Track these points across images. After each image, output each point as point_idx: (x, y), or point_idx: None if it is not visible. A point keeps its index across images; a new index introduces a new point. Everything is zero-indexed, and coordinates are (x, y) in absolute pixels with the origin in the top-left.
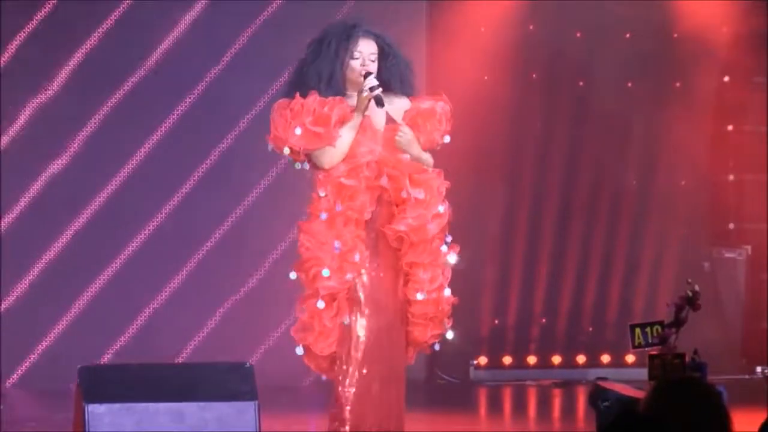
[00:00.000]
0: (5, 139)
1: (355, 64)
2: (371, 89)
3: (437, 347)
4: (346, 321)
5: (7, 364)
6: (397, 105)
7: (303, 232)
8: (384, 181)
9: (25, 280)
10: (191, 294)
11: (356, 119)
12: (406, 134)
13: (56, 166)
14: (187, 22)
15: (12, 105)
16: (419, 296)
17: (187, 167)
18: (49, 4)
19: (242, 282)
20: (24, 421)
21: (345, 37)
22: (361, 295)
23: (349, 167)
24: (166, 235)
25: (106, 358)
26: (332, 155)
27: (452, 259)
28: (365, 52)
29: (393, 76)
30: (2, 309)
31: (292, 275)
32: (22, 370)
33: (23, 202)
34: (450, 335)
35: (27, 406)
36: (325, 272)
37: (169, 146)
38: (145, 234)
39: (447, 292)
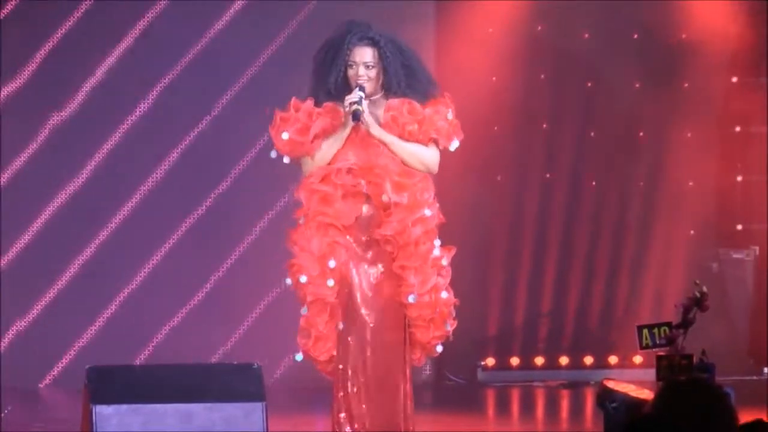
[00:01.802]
0: (32, 148)
1: (350, 73)
2: (351, 104)
3: (440, 349)
4: (341, 326)
5: (40, 365)
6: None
7: (289, 237)
8: (363, 186)
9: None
10: (190, 293)
11: (342, 133)
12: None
13: (24, 156)
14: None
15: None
16: (410, 299)
17: (155, 160)
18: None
19: (240, 281)
20: (62, 421)
21: (340, 45)
22: (359, 302)
23: (323, 173)
24: (190, 240)
25: (69, 356)
26: (309, 165)
27: (444, 262)
28: (359, 61)
29: (392, 80)
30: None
31: (287, 281)
32: (56, 372)
33: (58, 202)
34: (449, 332)
35: (62, 406)
36: (303, 278)
37: (190, 154)
38: (172, 239)
39: (445, 294)
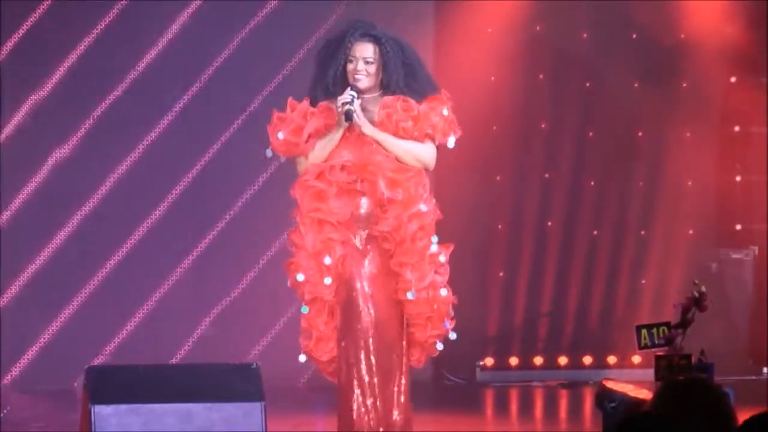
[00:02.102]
0: (3, 135)
1: (350, 67)
2: (343, 104)
3: (440, 347)
4: (339, 324)
5: (3, 363)
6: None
7: (289, 237)
8: (358, 184)
9: (21, 278)
10: (189, 293)
11: (335, 133)
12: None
13: (52, 163)
14: (187, 19)
15: (9, 102)
16: (408, 296)
17: (183, 166)
18: (45, 3)
19: (241, 281)
20: (28, 422)
21: (341, 41)
22: (359, 300)
23: (317, 170)
24: (163, 234)
25: (102, 358)
26: (303, 165)
27: (442, 258)
28: (359, 56)
29: (391, 77)
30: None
31: (288, 282)
32: (18, 370)
33: (20, 199)
34: (453, 336)
35: (28, 407)
36: (299, 277)
37: (167, 145)
38: (141, 233)
39: (443, 291)
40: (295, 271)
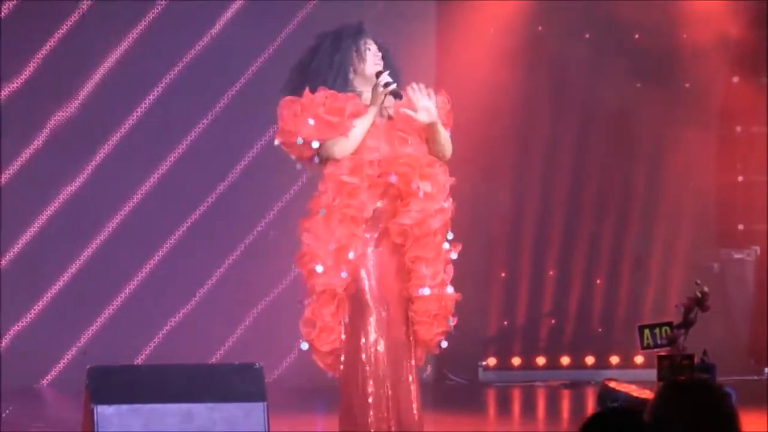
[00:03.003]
0: (27, 153)
1: (369, 56)
2: (386, 85)
3: (444, 344)
4: (347, 319)
5: (41, 364)
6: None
7: (303, 227)
8: (393, 178)
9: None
10: (191, 293)
11: (371, 112)
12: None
13: (22, 160)
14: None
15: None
16: (423, 292)
17: (209, 174)
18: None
19: (243, 280)
20: (29, 422)
21: (357, 33)
22: (369, 297)
23: (352, 165)
24: (185, 242)
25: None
26: (344, 145)
27: (453, 255)
28: (374, 48)
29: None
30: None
31: (294, 269)
32: (55, 372)
33: (54, 207)
34: (451, 324)
35: (29, 407)
36: (319, 268)
37: (191, 153)
38: (113, 227)
39: (449, 289)
40: (311, 262)
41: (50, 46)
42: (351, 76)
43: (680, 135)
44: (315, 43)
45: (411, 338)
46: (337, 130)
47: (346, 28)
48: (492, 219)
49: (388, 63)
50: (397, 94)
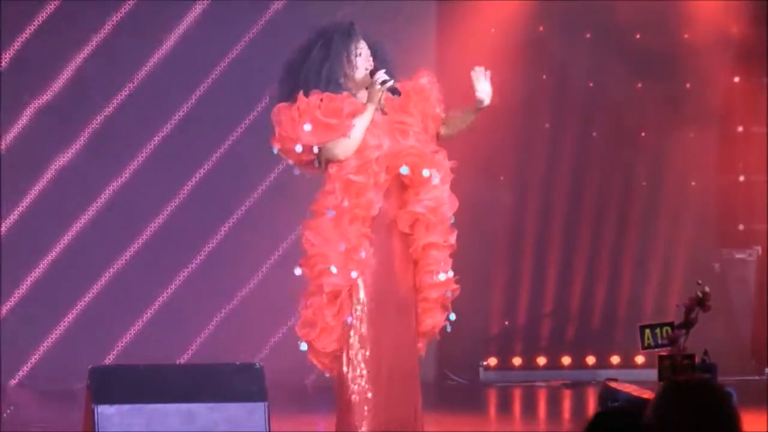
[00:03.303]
0: (7, 139)
1: (359, 61)
2: (383, 83)
3: (449, 329)
4: (350, 320)
5: (10, 363)
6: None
7: (308, 228)
8: (404, 170)
9: (27, 280)
10: (194, 294)
11: (369, 110)
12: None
13: (56, 167)
14: (192, 20)
15: (13, 104)
16: (436, 278)
17: (185, 169)
18: (52, 4)
19: (244, 281)
20: (31, 422)
21: (347, 36)
22: (362, 294)
23: (358, 163)
24: (168, 236)
25: (110, 359)
26: (346, 146)
27: (452, 239)
28: (365, 52)
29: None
30: (3, 311)
31: (297, 271)
32: (25, 370)
33: (23, 205)
34: (452, 317)
35: (32, 406)
36: (333, 269)
37: (168, 148)
38: (146, 234)
39: (451, 273)
40: (322, 263)
41: (79, 55)
42: (342, 80)
43: (681, 135)
44: (304, 45)
45: (415, 330)
46: (337, 132)
47: (336, 31)
48: (492, 219)
49: (382, 58)
50: (395, 91)
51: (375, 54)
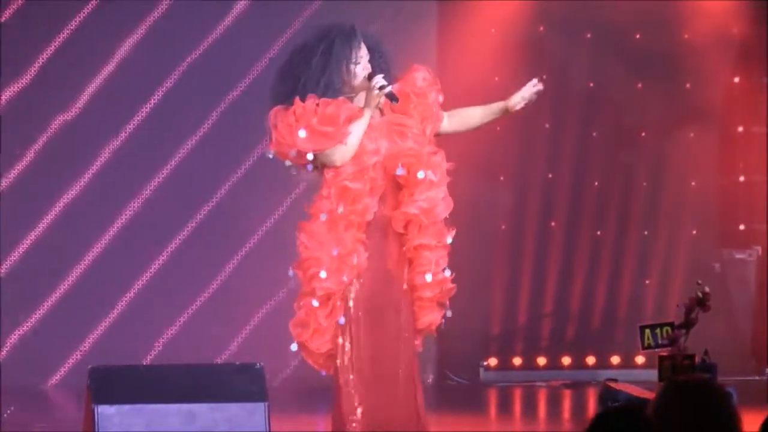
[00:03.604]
0: (36, 145)
1: (358, 69)
2: (381, 88)
3: (443, 327)
4: (342, 321)
5: (49, 365)
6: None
7: (303, 231)
8: (400, 171)
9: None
10: (195, 294)
11: (366, 115)
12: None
13: (21, 165)
14: (160, 13)
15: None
16: (428, 278)
17: (160, 160)
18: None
19: (243, 281)
20: (30, 422)
21: (348, 43)
22: (355, 295)
23: (355, 169)
24: (141, 230)
25: (80, 356)
26: (343, 152)
27: (449, 239)
28: (364, 57)
29: (381, 72)
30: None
31: (290, 273)
32: (63, 371)
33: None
34: (449, 313)
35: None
36: (323, 274)
37: (139, 141)
38: (114, 229)
39: (447, 272)
40: (314, 266)
41: (53, 47)
42: (339, 85)
43: (681, 135)
44: (304, 48)
45: (411, 330)
46: (333, 140)
47: (337, 35)
48: (493, 219)
49: (380, 62)
50: (393, 98)
51: (373, 56)
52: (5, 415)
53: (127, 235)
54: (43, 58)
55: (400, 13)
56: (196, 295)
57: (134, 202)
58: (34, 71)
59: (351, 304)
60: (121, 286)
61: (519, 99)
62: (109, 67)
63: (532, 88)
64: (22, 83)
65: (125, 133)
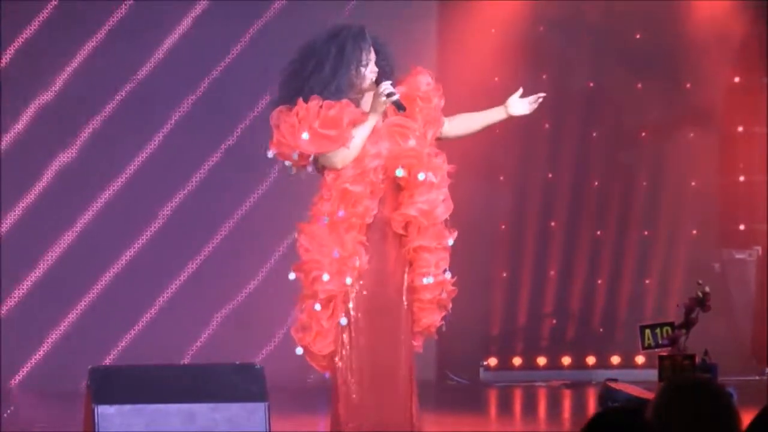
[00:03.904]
0: (6, 138)
1: (367, 71)
2: (389, 95)
3: (443, 328)
4: (344, 321)
5: (10, 364)
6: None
7: (303, 233)
8: (400, 172)
9: (27, 280)
10: (194, 295)
11: (371, 120)
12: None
13: (57, 166)
14: (191, 22)
15: (14, 103)
16: (426, 281)
17: (187, 169)
18: (52, 3)
19: (244, 282)
20: (32, 422)
21: (359, 45)
22: (355, 296)
23: (356, 172)
24: (169, 236)
25: (110, 359)
26: (345, 156)
27: (450, 242)
28: (372, 59)
29: (385, 73)
30: (3, 311)
31: (291, 276)
32: (25, 371)
33: (24, 203)
34: (448, 316)
35: (32, 407)
36: (325, 276)
37: (171, 148)
38: (147, 235)
39: (448, 274)
40: (316, 269)
41: (75, 58)
42: (345, 87)
43: (682, 135)
44: (315, 49)
45: (409, 331)
46: (336, 143)
47: (348, 38)
48: (493, 219)
49: (384, 64)
50: (400, 106)
51: (379, 58)
52: (5, 415)
53: (152, 246)
54: (63, 74)
55: (401, 13)
56: (221, 305)
57: (101, 198)
58: (59, 84)
59: (351, 305)
60: (150, 293)
61: (518, 104)
62: (139, 77)
63: (536, 96)
64: (45, 98)
65: (130, 169)
